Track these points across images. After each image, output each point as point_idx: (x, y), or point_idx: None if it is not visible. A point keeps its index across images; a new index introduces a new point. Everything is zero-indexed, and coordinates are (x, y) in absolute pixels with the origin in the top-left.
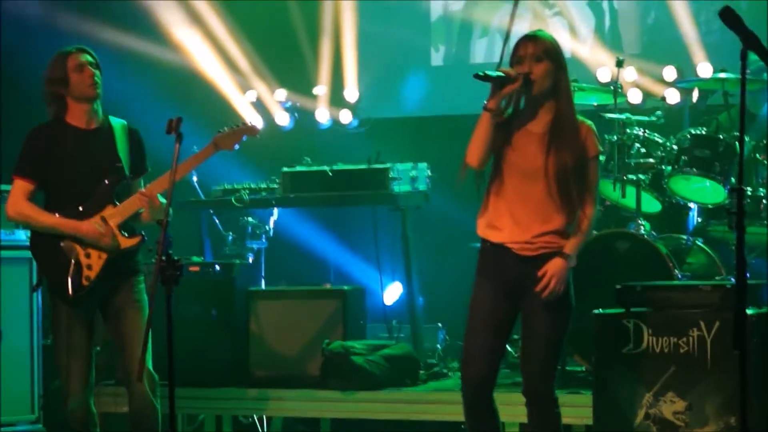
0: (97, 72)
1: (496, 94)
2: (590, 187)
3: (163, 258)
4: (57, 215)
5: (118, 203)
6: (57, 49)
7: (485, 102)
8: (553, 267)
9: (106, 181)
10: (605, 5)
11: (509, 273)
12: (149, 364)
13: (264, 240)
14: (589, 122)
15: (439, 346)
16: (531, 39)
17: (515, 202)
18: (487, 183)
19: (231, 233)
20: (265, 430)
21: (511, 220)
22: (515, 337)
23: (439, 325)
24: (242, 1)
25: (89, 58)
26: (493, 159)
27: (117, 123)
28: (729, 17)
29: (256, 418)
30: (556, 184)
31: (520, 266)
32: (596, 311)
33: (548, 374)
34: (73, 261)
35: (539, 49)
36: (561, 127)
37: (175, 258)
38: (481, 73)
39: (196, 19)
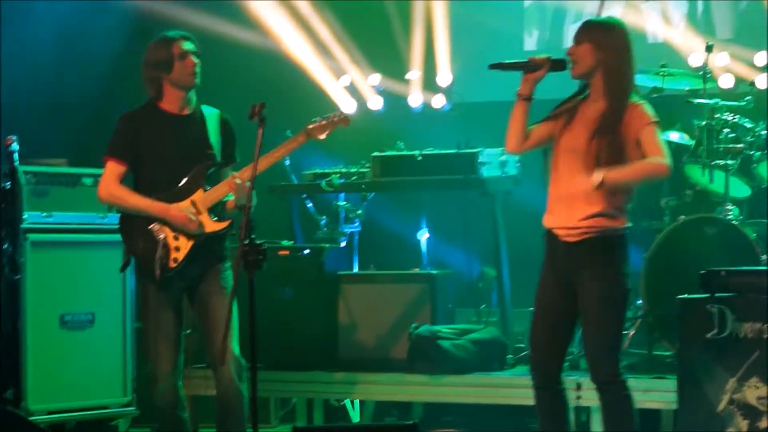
0: (198, 61)
1: (524, 81)
2: (655, 149)
3: (246, 242)
4: (147, 198)
5: (208, 188)
6: (143, 33)
7: (517, 90)
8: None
9: (197, 166)
10: None
11: (560, 260)
12: (236, 349)
13: (357, 224)
14: (641, 101)
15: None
16: (581, 25)
17: (565, 186)
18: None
19: (324, 217)
20: (357, 413)
21: (561, 204)
22: None
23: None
24: None
25: (193, 47)
26: (552, 142)
27: (210, 111)
28: None
29: (348, 402)
30: (594, 164)
31: (567, 252)
32: (680, 296)
33: (606, 360)
34: (161, 242)
35: (581, 32)
36: (613, 111)
37: (258, 242)
38: (496, 63)
39: (287, 5)
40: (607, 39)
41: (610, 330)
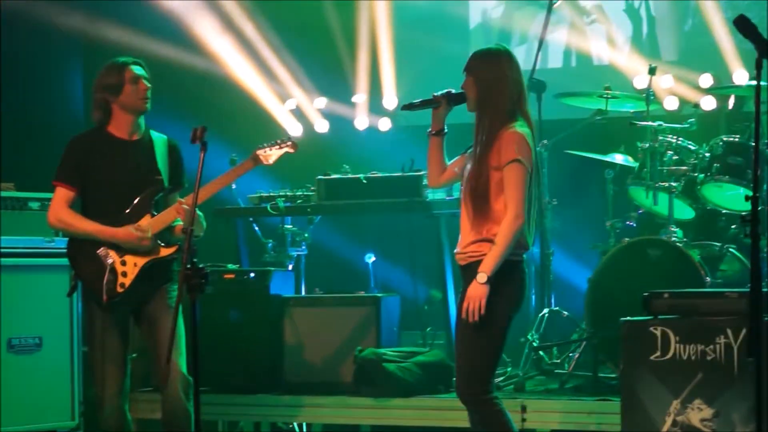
0: (150, 86)
1: (432, 117)
2: (507, 195)
3: (188, 266)
4: (95, 222)
5: (156, 213)
6: (93, 59)
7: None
8: (469, 290)
9: (145, 192)
10: (643, 12)
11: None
12: (183, 367)
13: (304, 247)
14: (518, 130)
15: None
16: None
17: (462, 215)
18: None
19: (271, 240)
20: None
21: (461, 231)
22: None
23: None
24: (281, 10)
25: (144, 72)
26: None
27: (158, 137)
28: (743, 25)
29: (296, 426)
30: (470, 195)
31: (461, 276)
32: (624, 318)
33: (470, 380)
34: (108, 267)
35: (467, 64)
36: (481, 140)
37: (201, 266)
38: (406, 105)
39: (232, 28)
40: (481, 69)
41: (473, 353)
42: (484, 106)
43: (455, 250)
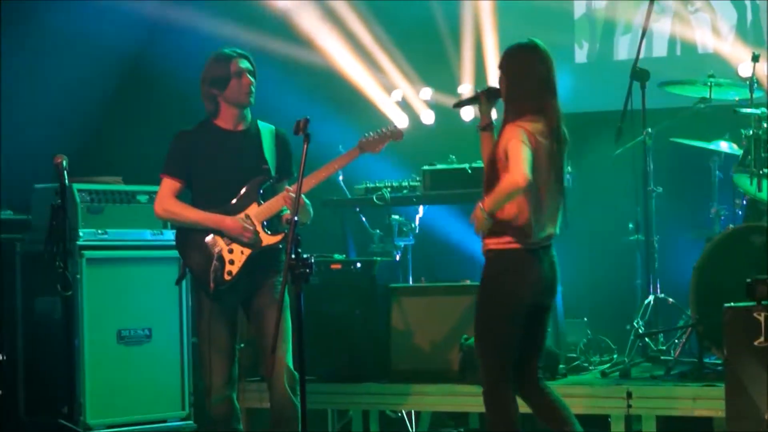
0: (254, 80)
1: (480, 113)
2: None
3: (293, 256)
4: (202, 211)
5: (263, 202)
6: (201, 51)
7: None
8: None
9: (252, 181)
10: (747, 2)
11: None
12: (289, 362)
13: (411, 237)
14: (519, 124)
15: (584, 339)
16: None
17: None
18: None
19: (378, 231)
20: (413, 425)
21: None
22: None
23: (585, 319)
24: (385, 2)
25: (249, 66)
26: None
27: (265, 127)
28: None
29: (404, 413)
30: (484, 187)
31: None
32: (727, 305)
33: (484, 372)
34: (215, 255)
35: (499, 61)
36: (499, 136)
37: (305, 256)
38: (456, 103)
39: (336, 21)
40: (507, 64)
41: (478, 341)
42: (508, 101)
43: None
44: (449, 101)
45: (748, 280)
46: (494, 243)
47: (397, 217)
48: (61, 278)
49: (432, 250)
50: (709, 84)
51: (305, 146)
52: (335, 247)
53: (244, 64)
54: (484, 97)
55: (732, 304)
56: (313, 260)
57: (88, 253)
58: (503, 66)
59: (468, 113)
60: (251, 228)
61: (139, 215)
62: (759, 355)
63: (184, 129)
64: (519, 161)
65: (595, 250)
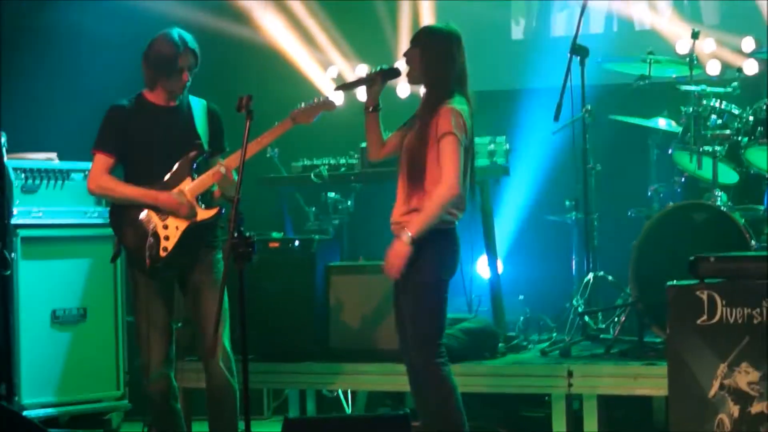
0: (191, 77)
1: (367, 94)
2: (442, 167)
3: (235, 235)
4: (136, 186)
5: (196, 177)
6: (133, 23)
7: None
8: (391, 248)
9: (185, 156)
10: None
11: None
12: (226, 342)
13: (345, 215)
14: (456, 106)
15: (521, 318)
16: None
17: (399, 185)
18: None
19: (313, 208)
20: (350, 404)
21: (396, 202)
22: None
23: (521, 297)
24: None
25: (193, 62)
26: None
27: (196, 102)
28: None
29: (341, 393)
30: (406, 166)
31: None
32: (670, 282)
33: (422, 345)
34: (150, 231)
35: (413, 37)
36: (423, 113)
37: (247, 234)
38: (339, 86)
39: None
40: (432, 43)
41: (415, 320)
42: (430, 80)
43: (391, 220)
44: None
45: (691, 257)
46: (410, 222)
47: (332, 194)
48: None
49: (367, 229)
50: (648, 61)
51: (248, 123)
52: (271, 225)
53: (190, 61)
54: (380, 77)
55: (675, 282)
56: (255, 239)
57: (23, 232)
58: (426, 43)
59: (404, 90)
60: (186, 202)
61: (73, 193)
62: (702, 333)
63: (117, 103)
64: (453, 169)
65: (531, 228)
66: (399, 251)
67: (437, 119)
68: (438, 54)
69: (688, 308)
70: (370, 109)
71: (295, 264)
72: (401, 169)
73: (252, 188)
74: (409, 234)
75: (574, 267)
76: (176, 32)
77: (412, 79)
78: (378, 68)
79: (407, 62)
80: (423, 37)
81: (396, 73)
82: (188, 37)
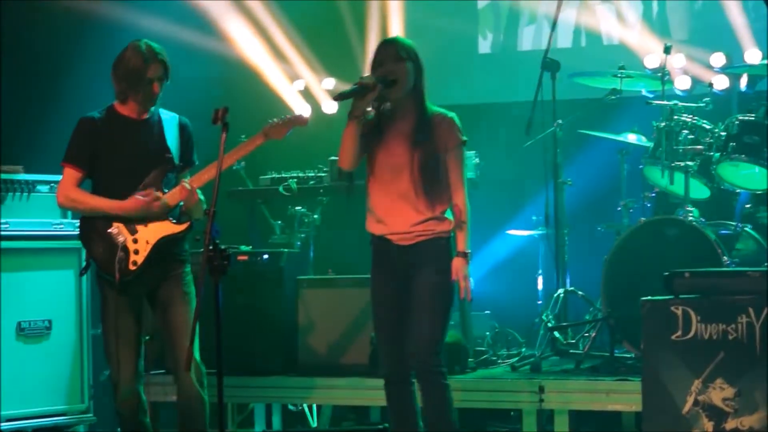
0: (165, 83)
1: (358, 102)
2: (457, 175)
3: (211, 248)
4: (104, 198)
5: (166, 191)
6: (104, 37)
7: (350, 111)
8: (458, 267)
9: (155, 170)
10: None
11: (394, 262)
12: (197, 355)
13: (312, 228)
14: (451, 115)
15: (488, 333)
16: (390, 42)
17: (391, 198)
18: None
19: (279, 222)
20: (315, 418)
21: (391, 213)
22: (536, 320)
23: (488, 312)
24: None
25: (163, 73)
26: (366, 158)
27: (167, 115)
28: None
29: (306, 407)
30: (421, 177)
31: (400, 255)
32: (644, 298)
33: (435, 350)
34: (120, 245)
35: (400, 51)
36: (424, 124)
37: (223, 247)
38: (338, 95)
39: (242, 9)
40: (418, 58)
41: (440, 324)
42: (418, 92)
43: (390, 231)
44: None
45: (666, 273)
46: (443, 228)
47: (299, 207)
48: None
49: (334, 242)
50: (619, 76)
51: (223, 135)
52: (238, 239)
53: (159, 71)
54: (379, 87)
55: (649, 297)
56: (230, 252)
57: None
58: (414, 58)
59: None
60: (152, 198)
61: (39, 205)
62: (676, 349)
63: (87, 116)
64: (464, 179)
65: (499, 242)
66: (464, 271)
67: (441, 129)
68: (421, 68)
69: (663, 324)
70: (358, 117)
71: (264, 277)
72: (404, 179)
73: (220, 201)
74: (468, 251)
75: (541, 282)
76: (144, 43)
77: (402, 92)
78: (377, 77)
79: (395, 75)
80: (412, 52)
81: (392, 83)
82: (157, 48)
